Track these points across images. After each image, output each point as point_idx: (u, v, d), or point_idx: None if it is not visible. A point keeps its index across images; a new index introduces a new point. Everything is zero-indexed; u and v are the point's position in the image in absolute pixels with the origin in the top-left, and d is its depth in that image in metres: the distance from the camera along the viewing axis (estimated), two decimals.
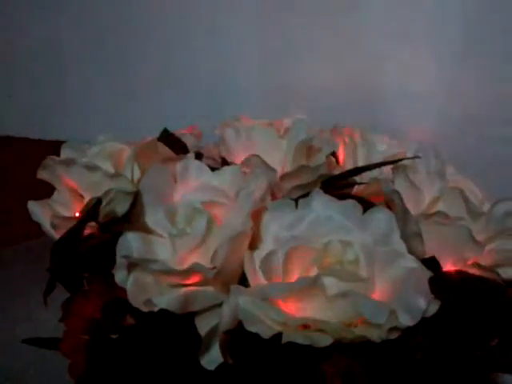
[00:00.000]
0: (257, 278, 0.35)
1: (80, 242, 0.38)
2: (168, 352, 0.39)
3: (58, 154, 0.43)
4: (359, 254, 0.34)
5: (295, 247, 0.34)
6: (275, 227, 0.37)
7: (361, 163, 0.47)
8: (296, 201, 0.37)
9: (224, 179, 0.39)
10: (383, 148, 0.48)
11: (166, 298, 0.35)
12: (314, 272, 0.34)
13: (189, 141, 0.48)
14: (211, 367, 0.37)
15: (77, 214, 0.42)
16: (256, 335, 0.33)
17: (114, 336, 0.40)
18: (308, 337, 0.31)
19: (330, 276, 0.32)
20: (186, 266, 0.36)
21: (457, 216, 0.38)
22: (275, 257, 0.34)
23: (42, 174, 0.42)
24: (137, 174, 0.41)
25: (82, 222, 0.37)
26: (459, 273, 0.36)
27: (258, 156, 0.41)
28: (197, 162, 0.40)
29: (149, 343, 0.39)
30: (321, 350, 0.32)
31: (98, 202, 0.37)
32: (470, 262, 0.38)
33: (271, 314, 0.32)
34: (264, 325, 0.32)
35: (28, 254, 0.77)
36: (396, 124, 0.57)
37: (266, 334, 0.32)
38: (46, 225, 0.42)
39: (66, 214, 0.42)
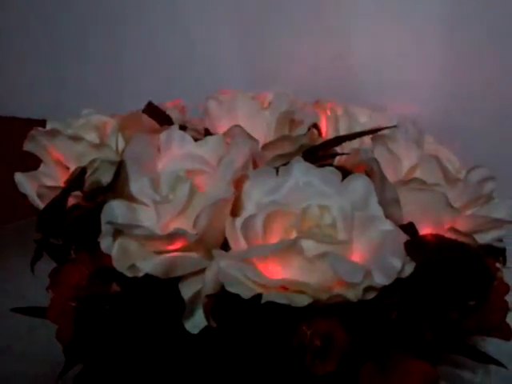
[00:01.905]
0: (238, 243, 0.36)
1: (65, 210, 0.39)
2: (153, 317, 0.40)
3: None
4: (337, 217, 0.35)
5: (274, 211, 0.35)
6: (256, 194, 0.37)
7: (342, 134, 0.48)
8: (277, 169, 0.38)
9: (207, 148, 0.40)
10: (364, 120, 0.49)
11: (150, 263, 0.36)
12: (293, 236, 0.35)
13: (173, 114, 0.49)
14: (195, 331, 0.38)
15: (62, 185, 0.42)
16: (238, 298, 0.34)
17: (100, 303, 0.40)
18: (287, 297, 0.32)
19: (309, 239, 0.33)
20: (167, 232, 0.37)
21: (433, 182, 0.39)
22: (255, 221, 0.35)
23: (28, 146, 0.43)
24: (121, 144, 0.42)
25: (66, 191, 0.38)
26: (435, 236, 0.37)
27: (239, 126, 0.41)
28: (180, 132, 0.41)
29: (134, 309, 0.40)
30: (300, 312, 0.33)
31: (82, 171, 0.38)
32: (446, 227, 0.39)
33: (251, 276, 0.33)
34: (244, 286, 0.33)
35: (16, 234, 0.78)
36: (377, 99, 0.58)
37: (246, 294, 0.33)
38: (33, 196, 0.43)
39: (51, 184, 0.43)
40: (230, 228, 0.36)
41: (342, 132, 0.48)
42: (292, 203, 0.36)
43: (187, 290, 0.37)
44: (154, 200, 0.37)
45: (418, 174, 0.41)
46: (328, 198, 0.36)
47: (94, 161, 0.39)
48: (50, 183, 0.43)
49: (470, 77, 0.66)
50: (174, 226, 0.37)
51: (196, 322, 0.38)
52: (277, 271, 0.34)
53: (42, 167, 0.45)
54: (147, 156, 0.40)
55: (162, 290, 0.39)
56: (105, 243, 0.38)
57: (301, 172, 0.37)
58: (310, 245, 0.33)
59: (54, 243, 0.44)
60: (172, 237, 0.36)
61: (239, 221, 0.37)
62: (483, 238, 0.40)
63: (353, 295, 0.32)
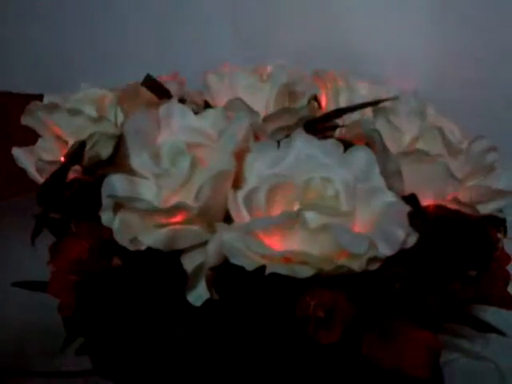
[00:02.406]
0: (240, 216, 0.36)
1: (65, 184, 0.39)
2: (155, 290, 0.40)
3: None
4: (339, 189, 0.35)
5: (277, 184, 0.35)
6: (258, 167, 0.37)
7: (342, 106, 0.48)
8: (279, 142, 0.38)
9: (207, 121, 0.40)
10: (365, 92, 0.49)
11: (152, 236, 0.36)
12: (295, 208, 0.35)
13: (172, 87, 0.48)
14: (197, 303, 0.38)
15: (61, 159, 0.42)
16: (240, 271, 0.34)
17: (101, 276, 0.40)
18: (290, 268, 0.32)
19: (311, 210, 0.33)
20: (169, 204, 0.37)
21: (436, 154, 0.39)
22: (258, 193, 0.34)
23: (26, 120, 0.42)
24: (120, 117, 0.41)
25: (66, 164, 0.38)
26: (438, 207, 0.37)
27: (240, 99, 0.41)
28: (180, 105, 0.40)
29: (136, 282, 0.40)
30: (303, 283, 0.33)
31: (81, 145, 0.38)
32: (448, 198, 0.39)
33: (255, 248, 0.33)
34: (248, 258, 0.33)
35: (14, 209, 0.78)
36: (375, 72, 0.57)
37: (249, 266, 0.32)
38: (31, 170, 0.43)
39: (50, 158, 0.43)
40: (232, 200, 0.36)
41: (342, 104, 0.48)
42: (294, 175, 0.35)
43: (189, 263, 0.37)
44: (155, 173, 0.37)
45: (419, 145, 0.41)
46: (330, 170, 0.35)
47: (93, 134, 0.39)
48: (48, 157, 0.43)
49: (466, 48, 0.66)
50: (175, 199, 0.37)
51: (198, 295, 0.38)
52: (279, 243, 0.34)
53: (40, 142, 0.45)
54: (147, 130, 0.39)
55: (163, 263, 0.39)
56: (105, 217, 0.38)
57: (303, 144, 0.37)
58: (312, 216, 0.33)
59: (53, 217, 0.44)
60: (174, 210, 0.35)
61: (241, 193, 0.37)
62: (484, 209, 0.40)
63: (357, 266, 0.32)
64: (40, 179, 0.42)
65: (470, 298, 0.40)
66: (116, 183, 0.38)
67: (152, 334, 0.41)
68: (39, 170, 0.41)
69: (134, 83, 0.43)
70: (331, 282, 0.35)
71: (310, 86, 0.46)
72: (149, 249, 0.37)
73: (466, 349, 0.55)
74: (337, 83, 0.48)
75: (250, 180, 0.37)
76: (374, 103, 0.42)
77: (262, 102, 0.44)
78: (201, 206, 0.35)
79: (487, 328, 0.42)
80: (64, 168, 0.38)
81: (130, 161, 0.39)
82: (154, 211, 0.36)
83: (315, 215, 0.33)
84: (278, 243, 0.34)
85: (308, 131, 0.40)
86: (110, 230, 0.39)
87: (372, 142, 0.41)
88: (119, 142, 0.38)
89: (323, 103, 0.50)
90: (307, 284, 0.34)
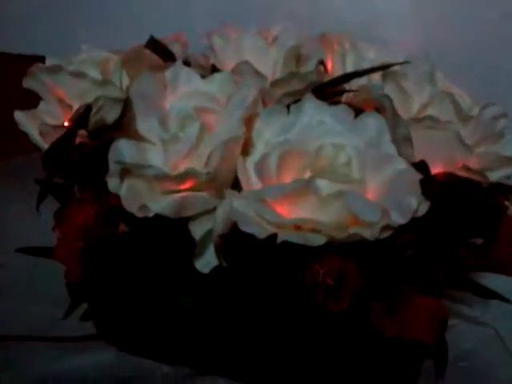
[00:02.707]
0: (250, 183, 0.36)
1: (72, 149, 0.38)
2: (162, 257, 0.40)
3: None
4: (351, 156, 0.34)
5: (288, 151, 0.34)
6: (268, 133, 0.37)
7: (350, 71, 0.47)
8: (288, 107, 0.38)
9: (214, 86, 0.39)
10: (372, 56, 0.48)
11: (160, 203, 0.36)
12: (307, 175, 0.35)
13: (175, 49, 0.47)
14: (206, 270, 0.38)
15: (66, 123, 0.41)
16: (249, 238, 0.34)
17: (108, 243, 0.40)
18: (302, 236, 0.32)
19: (323, 178, 0.33)
20: (179, 171, 0.36)
21: (446, 120, 0.38)
22: (269, 160, 0.34)
23: (28, 83, 0.41)
24: (125, 81, 0.40)
25: (72, 129, 0.37)
26: (448, 175, 0.37)
27: (247, 63, 0.40)
28: (186, 68, 0.39)
29: (143, 248, 0.40)
30: (312, 251, 0.33)
31: (87, 109, 0.37)
32: (458, 165, 0.38)
33: (266, 215, 0.32)
34: (259, 226, 0.33)
35: (13, 171, 0.77)
36: (382, 34, 0.56)
37: (261, 234, 0.32)
38: (34, 134, 0.42)
39: (53, 122, 0.42)
40: (242, 167, 0.36)
41: (349, 68, 0.47)
42: (305, 142, 0.35)
43: (198, 230, 0.37)
44: (163, 139, 0.37)
45: (429, 111, 0.40)
46: (342, 136, 0.35)
47: (98, 98, 0.38)
48: (51, 121, 0.42)
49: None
50: (183, 165, 0.37)
51: (206, 262, 0.38)
52: (290, 211, 0.34)
53: (41, 105, 0.44)
54: (154, 94, 0.39)
55: (170, 229, 0.38)
56: (112, 183, 0.38)
57: (313, 110, 0.36)
58: (324, 184, 0.33)
59: (57, 183, 0.43)
60: (183, 176, 0.35)
61: (251, 160, 0.36)
62: (492, 176, 0.40)
63: (369, 234, 0.32)
64: (43, 143, 0.41)
65: (477, 265, 0.40)
66: (123, 149, 0.37)
67: (158, 299, 0.41)
68: (43, 135, 0.40)
69: (138, 45, 0.42)
70: (340, 249, 0.35)
71: (315, 50, 0.45)
72: (156, 215, 0.36)
73: (466, 314, 0.55)
74: (343, 46, 0.47)
75: (259, 146, 0.37)
76: (384, 67, 0.41)
77: (269, 65, 0.43)
78: (210, 172, 0.34)
79: (491, 294, 0.42)
80: (70, 133, 0.37)
81: (136, 126, 0.38)
82: (163, 178, 0.35)
83: (327, 183, 0.33)
84: (288, 211, 0.34)
85: (316, 96, 0.39)
86: (116, 196, 0.39)
87: (382, 107, 0.40)
88: (125, 106, 0.38)
89: (329, 67, 0.49)
90: (316, 252, 0.34)
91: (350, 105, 0.39)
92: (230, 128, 0.36)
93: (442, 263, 0.38)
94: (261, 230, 0.32)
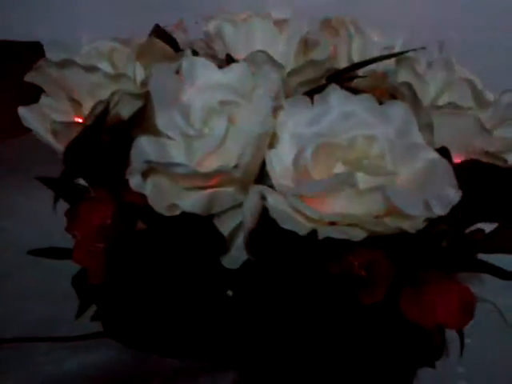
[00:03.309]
0: (279, 177, 0.35)
1: (92, 147, 0.36)
2: (186, 253, 0.39)
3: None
4: (384, 148, 0.34)
5: (322, 143, 0.34)
6: (293, 125, 0.36)
7: (356, 55, 0.47)
8: (310, 96, 0.37)
9: (233, 77, 0.38)
10: (377, 39, 0.48)
11: (190, 201, 0.35)
12: (338, 168, 0.34)
13: (178, 37, 0.46)
14: (234, 266, 0.37)
15: (78, 120, 0.40)
16: (276, 232, 0.34)
17: (129, 241, 0.39)
18: (344, 231, 0.32)
19: (360, 171, 0.33)
20: (204, 167, 0.36)
21: (466, 106, 0.38)
22: (304, 154, 0.33)
23: (33, 77, 0.39)
24: (139, 74, 0.39)
25: (94, 125, 0.35)
26: (473, 161, 0.37)
27: (264, 52, 0.39)
28: (203, 59, 0.38)
29: (166, 245, 0.39)
30: (343, 243, 0.33)
31: (107, 105, 0.35)
32: (478, 151, 0.39)
33: (306, 211, 0.32)
34: (298, 223, 0.32)
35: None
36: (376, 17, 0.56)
37: (301, 231, 0.32)
38: (41, 131, 0.40)
39: (61, 119, 0.40)
40: (271, 161, 0.35)
41: (355, 52, 0.47)
42: (337, 134, 0.34)
43: (226, 226, 0.37)
44: (188, 134, 0.36)
45: (446, 97, 0.40)
46: (373, 127, 0.35)
47: (114, 93, 0.36)
48: (59, 117, 0.40)
49: None
50: (209, 161, 0.36)
51: (234, 258, 0.38)
52: (324, 205, 0.34)
53: (44, 100, 0.42)
54: (172, 87, 0.37)
55: (192, 225, 0.37)
56: (135, 181, 0.36)
57: (338, 100, 0.36)
58: (360, 177, 0.33)
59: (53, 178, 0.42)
60: (215, 174, 0.34)
61: (276, 153, 0.36)
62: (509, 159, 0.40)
63: (411, 227, 0.32)
64: (53, 141, 0.40)
65: (492, 248, 0.41)
66: (145, 146, 0.36)
67: (182, 295, 0.40)
68: (55, 132, 0.38)
69: (149, 37, 0.40)
70: (370, 240, 0.35)
71: (323, 35, 0.44)
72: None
73: None
74: (349, 30, 0.47)
75: (285, 139, 0.36)
76: (398, 54, 0.41)
77: (280, 53, 0.42)
78: (243, 169, 0.34)
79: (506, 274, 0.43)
80: (92, 130, 0.36)
81: (155, 121, 0.37)
82: (195, 176, 0.34)
83: (362, 176, 0.33)
84: (322, 205, 0.34)
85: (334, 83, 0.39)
86: (133, 194, 0.38)
87: (399, 94, 0.40)
88: (145, 100, 0.36)
89: (332, 51, 0.49)
90: (347, 243, 0.34)
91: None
92: (260, 122, 0.35)
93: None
94: (301, 227, 0.32)
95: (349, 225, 0.33)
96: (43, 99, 0.42)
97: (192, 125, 0.36)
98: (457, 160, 0.39)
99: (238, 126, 0.36)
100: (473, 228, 0.40)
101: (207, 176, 0.34)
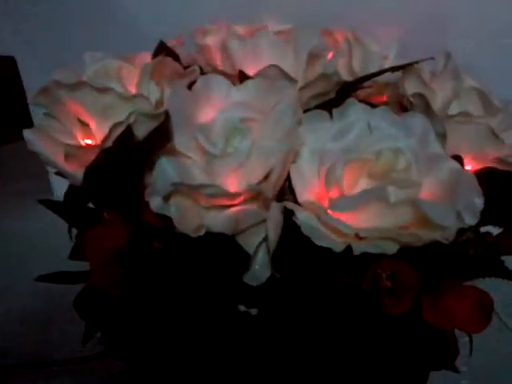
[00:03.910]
0: (306, 192, 0.35)
1: (116, 169, 0.36)
2: (206, 271, 0.38)
3: None
4: (410, 160, 0.34)
5: (350, 159, 0.34)
6: (314, 140, 0.36)
7: (357, 65, 0.47)
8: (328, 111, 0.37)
9: (249, 94, 0.38)
10: (376, 49, 0.48)
11: (219, 221, 0.35)
12: (364, 182, 0.35)
13: (181, 52, 0.45)
14: (256, 283, 0.37)
15: (88, 142, 0.39)
16: (304, 248, 0.34)
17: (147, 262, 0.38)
18: (377, 245, 0.32)
19: (388, 184, 0.33)
20: (227, 186, 0.35)
21: (477, 115, 0.39)
22: (335, 171, 0.33)
23: (39, 99, 0.38)
24: (154, 93, 0.38)
25: (118, 148, 0.35)
26: (488, 169, 0.38)
27: (276, 66, 0.39)
28: (218, 76, 0.38)
29: (186, 264, 0.38)
30: (368, 255, 0.33)
31: (129, 126, 0.35)
32: (490, 158, 0.39)
33: (340, 227, 0.32)
34: (332, 239, 0.33)
35: None
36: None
37: (337, 247, 0.32)
38: (48, 154, 0.39)
39: (67, 141, 0.39)
40: (297, 177, 0.35)
41: (356, 63, 0.47)
42: (363, 148, 0.35)
43: (250, 243, 0.36)
44: (212, 154, 0.35)
45: (454, 106, 0.41)
46: (397, 139, 0.35)
47: (131, 114, 0.36)
48: (64, 140, 0.39)
49: None
50: (231, 179, 0.36)
51: (256, 274, 0.37)
52: (355, 220, 0.34)
53: (48, 121, 0.41)
54: (188, 106, 0.37)
55: (217, 244, 0.37)
56: (156, 203, 0.36)
57: (358, 114, 0.36)
58: (390, 191, 0.33)
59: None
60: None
61: (297, 169, 0.36)
62: None
63: (442, 237, 0.32)
64: (60, 164, 0.38)
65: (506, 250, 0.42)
66: (168, 168, 0.35)
67: (203, 313, 0.40)
68: (68, 156, 0.37)
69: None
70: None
71: (325, 46, 0.44)
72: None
73: None
74: (349, 41, 0.47)
75: (304, 154, 0.36)
76: (406, 65, 0.42)
77: (288, 66, 0.42)
78: (273, 187, 0.34)
79: None
80: (113, 152, 0.35)
81: (174, 141, 0.36)
82: (225, 196, 0.34)
83: (392, 189, 0.33)
84: (353, 220, 0.34)
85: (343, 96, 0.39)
86: (150, 215, 0.37)
87: (410, 104, 0.41)
88: (164, 121, 0.36)
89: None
90: (372, 255, 0.34)
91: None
92: (282, 137, 0.35)
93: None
94: (336, 244, 0.32)
95: (379, 238, 0.33)
96: (47, 121, 0.41)
97: (214, 144, 0.35)
98: (467, 167, 0.40)
99: (258, 142, 0.35)
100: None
101: (236, 195, 0.34)
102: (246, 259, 0.37)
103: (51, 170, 0.82)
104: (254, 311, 0.39)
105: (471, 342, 0.44)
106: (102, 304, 0.41)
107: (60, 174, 0.41)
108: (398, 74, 0.44)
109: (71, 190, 0.43)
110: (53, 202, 0.43)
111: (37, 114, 0.79)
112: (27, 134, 0.39)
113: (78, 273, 0.42)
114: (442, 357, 0.41)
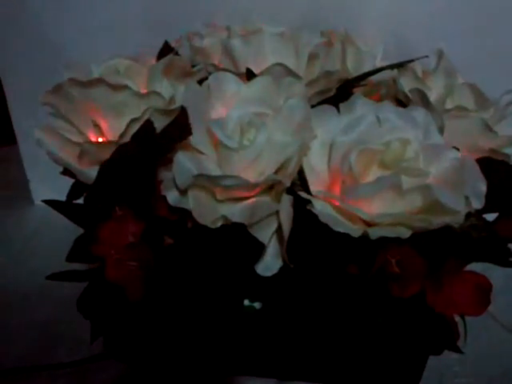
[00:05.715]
0: (319, 182, 0.37)
1: (132, 163, 0.36)
2: (220, 264, 0.39)
3: None
4: (418, 149, 0.36)
5: (362, 150, 0.35)
6: (323, 133, 0.38)
7: (351, 65, 0.49)
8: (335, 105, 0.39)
9: (259, 90, 0.39)
10: (367, 49, 0.50)
11: (237, 212, 0.36)
12: (375, 171, 0.36)
13: (184, 53, 0.46)
14: (268, 273, 0.38)
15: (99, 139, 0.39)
16: (318, 237, 0.36)
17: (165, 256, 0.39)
18: (392, 230, 0.34)
19: (399, 173, 0.35)
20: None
21: (471, 108, 0.42)
22: (348, 161, 0.35)
23: (50, 98, 0.39)
24: (167, 90, 0.39)
25: (136, 145, 0.35)
26: (485, 159, 0.40)
27: (282, 64, 0.41)
28: (228, 74, 0.39)
29: (201, 258, 0.39)
30: (376, 242, 0.35)
31: (150, 123, 0.35)
32: (485, 150, 0.42)
33: (359, 214, 0.34)
34: (349, 225, 0.34)
35: None
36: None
37: (355, 232, 0.34)
38: (58, 153, 0.39)
39: (77, 140, 0.40)
40: (310, 168, 0.37)
41: (351, 62, 0.49)
42: (374, 140, 0.36)
43: (264, 234, 0.37)
44: (229, 147, 0.36)
45: (448, 102, 0.43)
46: (405, 131, 0.37)
47: (146, 111, 0.37)
48: (76, 138, 0.40)
49: None
50: (245, 172, 0.37)
51: (269, 265, 0.38)
52: (370, 207, 0.35)
53: (56, 121, 0.41)
54: (202, 103, 0.38)
55: (230, 236, 0.38)
56: (173, 197, 0.37)
57: (365, 108, 0.38)
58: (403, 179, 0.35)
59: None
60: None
61: (308, 161, 0.37)
62: None
63: (454, 221, 0.34)
64: (72, 162, 0.39)
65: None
66: (186, 162, 0.36)
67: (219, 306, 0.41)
68: (83, 153, 0.37)
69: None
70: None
71: (321, 47, 0.46)
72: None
73: None
74: (344, 41, 0.49)
75: (314, 147, 0.38)
76: (403, 63, 0.44)
77: (293, 65, 0.43)
78: (289, 178, 0.35)
79: None
80: (130, 147, 0.35)
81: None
82: (245, 187, 0.35)
83: (404, 178, 0.35)
84: (368, 207, 0.35)
85: (342, 93, 0.41)
86: (165, 209, 0.38)
87: (407, 100, 0.43)
88: (181, 115, 0.37)
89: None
90: (381, 241, 0.36)
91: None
92: (297, 132, 0.36)
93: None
94: (353, 229, 0.34)
95: (391, 224, 0.35)
96: (55, 121, 0.41)
97: (231, 137, 0.37)
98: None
99: (272, 136, 0.37)
100: None
101: (255, 186, 0.35)
102: (256, 251, 0.38)
103: (32, 179, 0.82)
104: (258, 305, 0.41)
105: (465, 326, 0.45)
106: (106, 303, 0.42)
107: (67, 173, 0.41)
108: (390, 72, 0.47)
109: (75, 189, 0.43)
110: (57, 202, 0.43)
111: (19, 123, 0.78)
112: (38, 133, 0.40)
113: (86, 271, 0.42)
114: (445, 339, 0.43)
